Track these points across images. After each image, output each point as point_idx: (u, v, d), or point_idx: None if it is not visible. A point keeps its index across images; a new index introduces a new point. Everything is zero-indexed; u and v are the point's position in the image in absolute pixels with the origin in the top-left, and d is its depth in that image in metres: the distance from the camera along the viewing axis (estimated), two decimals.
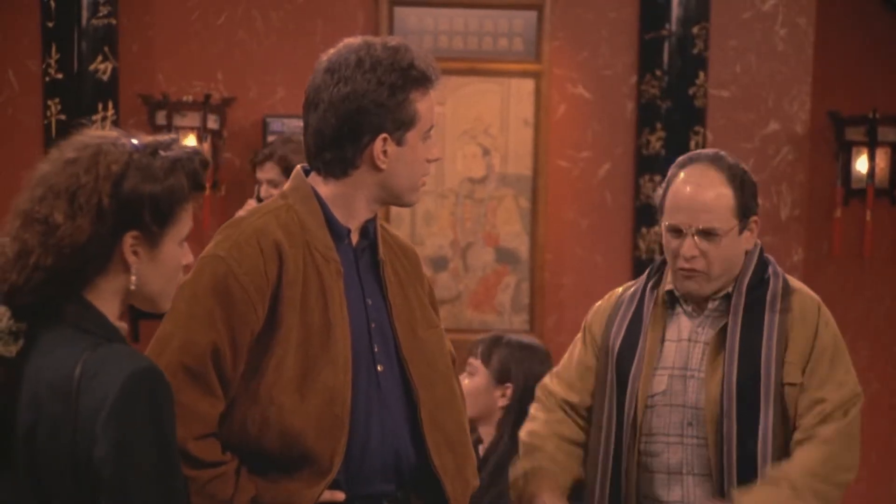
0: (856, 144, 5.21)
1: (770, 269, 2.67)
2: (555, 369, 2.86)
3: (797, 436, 2.59)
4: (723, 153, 2.70)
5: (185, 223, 1.92)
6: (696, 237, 2.60)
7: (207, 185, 1.99)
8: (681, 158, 2.70)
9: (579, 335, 2.83)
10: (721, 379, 2.57)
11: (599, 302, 2.83)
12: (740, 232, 2.63)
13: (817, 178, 5.29)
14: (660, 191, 2.70)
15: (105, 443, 1.78)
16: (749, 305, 2.61)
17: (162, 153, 1.89)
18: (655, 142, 5.15)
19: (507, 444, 3.17)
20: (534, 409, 2.82)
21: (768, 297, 2.62)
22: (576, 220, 5.32)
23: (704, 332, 2.65)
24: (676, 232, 2.62)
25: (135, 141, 1.91)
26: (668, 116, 5.13)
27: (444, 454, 2.32)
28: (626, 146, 5.28)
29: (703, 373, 2.61)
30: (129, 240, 1.86)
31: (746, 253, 2.67)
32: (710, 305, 2.66)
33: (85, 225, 1.83)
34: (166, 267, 1.91)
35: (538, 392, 2.84)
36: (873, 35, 5.19)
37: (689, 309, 2.67)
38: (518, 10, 5.17)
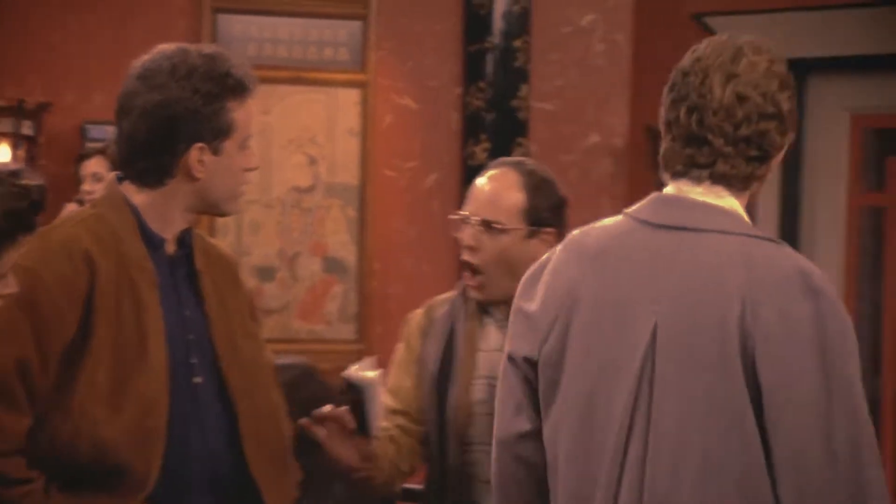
0: None
1: None
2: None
3: None
4: (529, 161, 2.76)
5: (5, 262, 1.87)
6: (479, 227, 2.64)
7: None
8: (492, 163, 2.77)
9: (399, 347, 2.85)
10: None
11: (413, 313, 2.84)
12: (528, 237, 2.67)
13: (636, 191, 5.40)
14: None
15: None
16: None
17: None
18: (481, 153, 5.21)
19: None
20: None
21: None
22: (403, 229, 5.35)
23: None
24: (464, 222, 2.67)
25: None
26: (493, 128, 5.20)
27: (264, 466, 2.31)
28: (453, 156, 5.33)
29: None
30: None
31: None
32: None
33: None
34: None
35: None
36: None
37: (500, 316, 2.71)
38: (343, 20, 5.17)
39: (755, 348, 1.93)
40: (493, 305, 2.72)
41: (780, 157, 2.10)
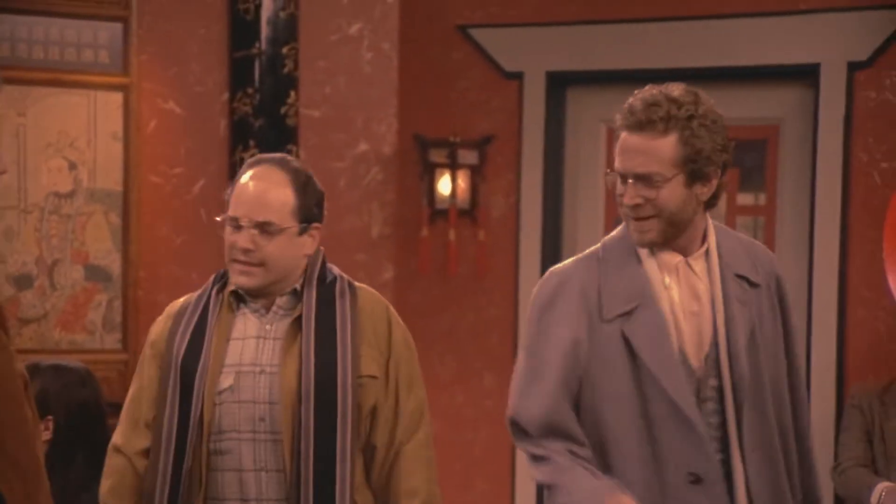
0: (439, 166, 5.46)
1: (335, 270, 2.78)
2: (123, 415, 2.77)
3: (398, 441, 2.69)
4: (289, 157, 2.78)
5: None
6: (253, 230, 2.65)
7: None
8: (250, 160, 2.77)
9: (143, 354, 2.80)
10: (298, 371, 2.62)
11: (158, 319, 2.82)
12: (300, 234, 2.70)
13: (405, 198, 5.48)
14: (228, 191, 2.75)
15: None
16: (321, 299, 2.69)
17: None
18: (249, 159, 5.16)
19: (63, 490, 2.99)
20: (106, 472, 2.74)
21: (337, 291, 2.71)
22: (170, 236, 5.23)
23: (275, 328, 2.69)
24: (236, 225, 2.67)
25: None
26: (261, 134, 5.15)
27: (13, 482, 2.22)
28: (220, 163, 5.25)
29: (275, 367, 2.65)
30: None
31: (307, 257, 2.74)
32: (279, 301, 2.72)
33: None
34: None
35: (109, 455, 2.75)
36: (453, 63, 5.46)
37: (258, 306, 2.72)
38: (103, 22, 5.02)
39: None
40: (255, 295, 2.71)
41: None
